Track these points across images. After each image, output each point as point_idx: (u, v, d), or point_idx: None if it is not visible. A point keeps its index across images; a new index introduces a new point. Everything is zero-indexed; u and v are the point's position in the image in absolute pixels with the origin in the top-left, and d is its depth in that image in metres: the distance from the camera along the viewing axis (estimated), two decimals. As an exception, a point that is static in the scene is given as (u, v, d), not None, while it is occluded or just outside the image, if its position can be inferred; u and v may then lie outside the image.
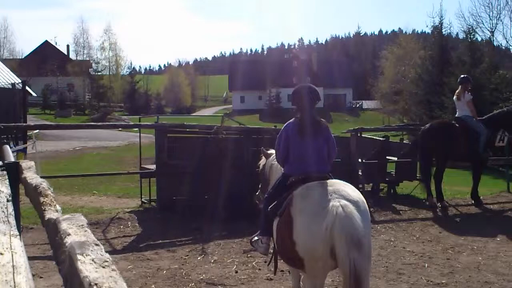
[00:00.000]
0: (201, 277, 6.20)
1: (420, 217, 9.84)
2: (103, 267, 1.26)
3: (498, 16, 55.12)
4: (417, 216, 9.91)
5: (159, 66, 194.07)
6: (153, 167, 10.57)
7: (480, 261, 6.84)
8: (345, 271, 3.36)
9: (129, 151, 22.46)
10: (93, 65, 71.87)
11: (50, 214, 2.14)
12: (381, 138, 14.27)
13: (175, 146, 9.99)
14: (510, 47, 49.16)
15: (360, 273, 3.31)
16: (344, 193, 3.65)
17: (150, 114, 56.05)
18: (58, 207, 2.32)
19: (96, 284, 1.16)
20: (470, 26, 45.47)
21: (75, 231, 1.60)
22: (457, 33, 75.39)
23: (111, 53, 72.84)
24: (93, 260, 1.30)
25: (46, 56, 66.74)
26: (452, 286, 5.78)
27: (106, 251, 1.41)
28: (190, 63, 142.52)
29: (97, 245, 1.44)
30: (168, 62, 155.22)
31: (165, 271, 6.46)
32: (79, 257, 1.33)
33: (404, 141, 17.39)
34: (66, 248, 1.46)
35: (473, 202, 10.94)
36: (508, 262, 6.77)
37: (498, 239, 8.09)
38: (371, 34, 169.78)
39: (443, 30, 48.82)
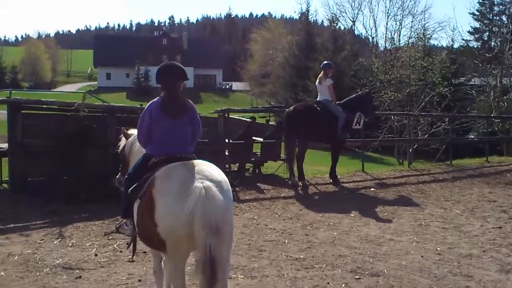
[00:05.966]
0: (57, 262, 5.85)
1: (282, 195, 10.23)
2: None
3: (359, 7, 59.45)
4: (280, 194, 10.30)
5: (16, 37, 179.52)
6: (5, 145, 9.71)
7: (336, 236, 7.28)
8: (201, 256, 3.31)
9: (-22, 128, 20.39)
10: None
11: None
12: (248, 119, 14.54)
13: (31, 123, 9.27)
14: (369, 36, 52.95)
15: (215, 259, 3.27)
16: (208, 174, 3.60)
17: (4, 88, 51.40)
18: None
19: None
20: (334, 15, 48.18)
21: None
22: (322, 21, 79.41)
23: (-42, 19, 65.74)
24: None
25: None
26: (309, 260, 6.07)
27: None
28: (51, 35, 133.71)
29: None
30: (26, 33, 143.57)
31: (16, 257, 6.01)
32: None
33: (270, 123, 17.93)
34: None
35: (331, 181, 11.63)
36: (360, 236, 7.30)
37: (352, 215, 8.70)
38: (242, 16, 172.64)
39: (309, 17, 51.24)
